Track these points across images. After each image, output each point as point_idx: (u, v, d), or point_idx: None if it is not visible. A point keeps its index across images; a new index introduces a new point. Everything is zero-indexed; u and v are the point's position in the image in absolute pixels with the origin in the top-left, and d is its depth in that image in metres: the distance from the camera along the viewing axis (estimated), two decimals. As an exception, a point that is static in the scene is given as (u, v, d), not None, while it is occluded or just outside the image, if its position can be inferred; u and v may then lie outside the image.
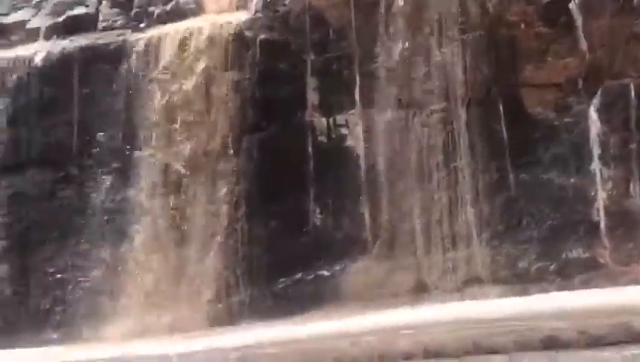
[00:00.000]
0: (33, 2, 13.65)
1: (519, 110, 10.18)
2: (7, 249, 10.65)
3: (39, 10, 12.87)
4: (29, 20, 12.57)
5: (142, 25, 11.41)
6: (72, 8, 12.19)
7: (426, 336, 8.31)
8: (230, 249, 10.12)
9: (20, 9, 13.60)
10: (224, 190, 10.22)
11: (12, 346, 9.97)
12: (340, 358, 7.91)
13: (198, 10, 11.74)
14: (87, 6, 12.56)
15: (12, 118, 10.98)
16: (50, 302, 10.47)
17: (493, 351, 7.28)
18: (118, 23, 11.74)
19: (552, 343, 7.01)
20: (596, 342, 6.87)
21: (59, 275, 10.52)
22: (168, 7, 11.80)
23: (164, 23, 11.43)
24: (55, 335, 10.19)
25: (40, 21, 12.27)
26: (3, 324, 10.45)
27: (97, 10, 12.28)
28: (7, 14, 12.88)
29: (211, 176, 10.32)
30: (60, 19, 11.98)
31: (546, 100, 10.22)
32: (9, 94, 10.97)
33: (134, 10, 11.88)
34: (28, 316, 10.49)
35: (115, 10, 12.45)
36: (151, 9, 11.70)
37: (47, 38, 11.83)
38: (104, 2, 12.61)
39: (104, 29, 11.73)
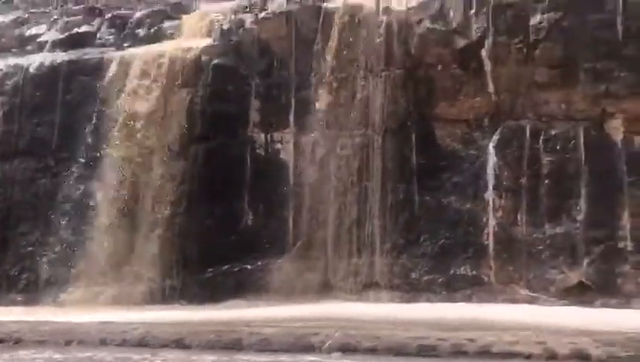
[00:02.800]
0: (51, 20, 14.34)
1: (430, 140, 9.87)
2: (-8, 223, 11.14)
3: (52, 27, 12.96)
4: (42, 34, 12.70)
5: (125, 44, 11.59)
6: (79, 26, 12.53)
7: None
8: (169, 239, 10.00)
9: (39, 24, 14.70)
10: (169, 188, 10.12)
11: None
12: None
13: (176, 34, 11.66)
14: (91, 25, 12.59)
15: (7, 115, 11.24)
16: (19, 269, 10.52)
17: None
18: (110, 41, 11.90)
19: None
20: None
21: (29, 248, 10.57)
22: (152, 30, 11.83)
23: (147, 43, 11.48)
24: (20, 298, 10.32)
25: (49, 35, 12.44)
26: (-19, 284, 10.79)
27: (98, 30, 12.77)
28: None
29: (160, 176, 10.17)
30: (64, 35, 12.34)
31: (454, 134, 9.82)
32: (7, 95, 11.28)
33: (125, 32, 12.04)
34: (1, 279, 10.63)
35: (111, 30, 12.32)
36: (137, 31, 11.87)
37: (51, 50, 12.08)
38: (105, 23, 12.63)
39: (98, 46, 11.86)
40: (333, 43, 10.14)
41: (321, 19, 10.29)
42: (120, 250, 10.23)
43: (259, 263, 10.04)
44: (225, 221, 10.26)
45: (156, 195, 10.24)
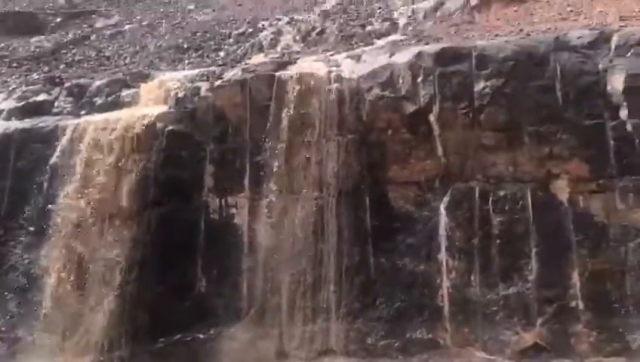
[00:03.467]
0: (9, 88, 13.86)
1: (384, 203, 9.89)
2: None
3: (10, 96, 12.60)
4: (-1, 103, 13.79)
5: (82, 112, 11.37)
6: (37, 95, 12.31)
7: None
8: (119, 308, 9.63)
9: (-1, 93, 14.63)
10: (120, 255, 9.82)
11: None
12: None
13: (134, 102, 11.52)
14: (50, 94, 12.35)
15: (-43, 182, 11.23)
16: (-37, 345, 10.15)
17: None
18: (67, 109, 11.68)
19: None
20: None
21: (-29, 322, 10.31)
22: (110, 98, 11.67)
23: (104, 111, 11.31)
24: (-38, 375, 9.84)
25: (6, 104, 12.09)
26: None
27: (55, 98, 12.28)
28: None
29: (111, 243, 9.88)
30: (21, 103, 12.07)
31: (407, 196, 9.85)
32: (-42, 163, 11.27)
33: (83, 100, 11.83)
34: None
35: (69, 98, 12.09)
36: (95, 99, 11.67)
37: (7, 118, 11.75)
38: (63, 92, 12.37)
39: (55, 114, 11.60)
40: (286, 110, 10.26)
41: (275, 87, 10.39)
42: (68, 320, 9.77)
43: (211, 332, 9.66)
44: (177, 288, 9.91)
45: (107, 263, 9.94)
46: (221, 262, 10.08)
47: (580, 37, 10.12)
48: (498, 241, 9.33)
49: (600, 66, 9.67)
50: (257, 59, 13.19)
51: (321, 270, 9.70)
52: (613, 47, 9.75)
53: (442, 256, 9.53)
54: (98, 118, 10.92)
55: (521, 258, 9.21)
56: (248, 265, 9.98)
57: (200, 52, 16.09)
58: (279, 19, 16.15)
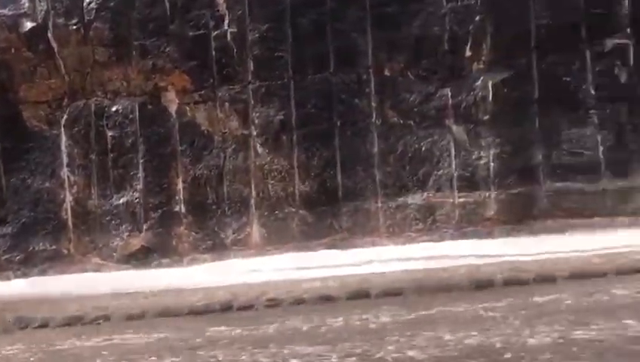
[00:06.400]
0: None
1: (18, 124, 9.89)
2: None
3: None
4: None
5: None
6: None
7: None
8: None
9: None
10: None
11: None
12: None
13: None
14: None
15: None
16: None
17: None
18: None
19: None
20: None
21: None
22: None
23: None
24: None
25: None
26: None
27: None
28: None
29: None
30: None
31: (39, 115, 9.90)
32: None
33: None
34: None
35: None
36: None
37: None
38: None
39: None
40: None
41: None
42: None
43: None
44: None
45: None
46: None
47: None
48: (112, 155, 9.82)
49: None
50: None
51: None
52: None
53: (64, 172, 9.98)
54: None
55: (131, 169, 9.79)
56: None
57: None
58: None
